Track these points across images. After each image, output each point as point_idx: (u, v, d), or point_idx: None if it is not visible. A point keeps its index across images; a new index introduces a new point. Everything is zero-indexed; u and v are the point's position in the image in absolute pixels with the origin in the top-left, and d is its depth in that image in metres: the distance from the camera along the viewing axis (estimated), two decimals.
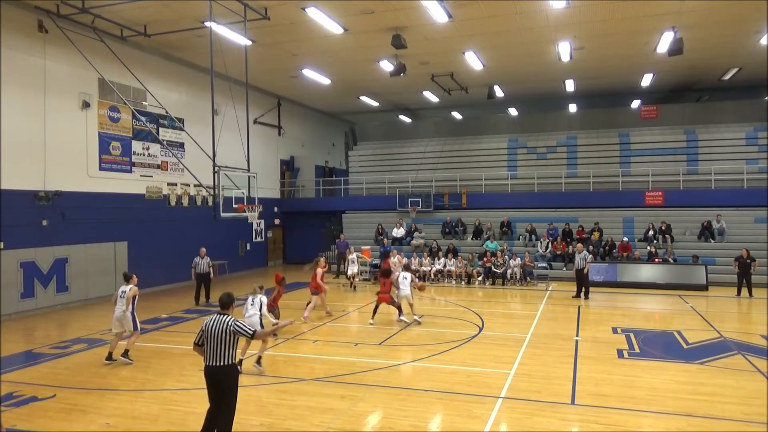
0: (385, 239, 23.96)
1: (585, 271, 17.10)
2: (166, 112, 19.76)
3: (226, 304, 6.33)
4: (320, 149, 32.68)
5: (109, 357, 10.22)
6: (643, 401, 7.97)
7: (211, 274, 17.45)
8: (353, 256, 20.44)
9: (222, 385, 6.05)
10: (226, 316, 6.18)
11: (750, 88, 26.69)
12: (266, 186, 25.79)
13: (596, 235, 22.39)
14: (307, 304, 14.23)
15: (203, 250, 17.20)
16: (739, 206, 22.41)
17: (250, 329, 6.18)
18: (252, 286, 10.55)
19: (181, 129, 20.92)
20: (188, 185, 21.62)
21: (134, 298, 10.31)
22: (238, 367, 6.82)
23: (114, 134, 18.44)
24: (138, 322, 10.39)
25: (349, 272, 20.03)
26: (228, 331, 6.04)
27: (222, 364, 6.03)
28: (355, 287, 19.77)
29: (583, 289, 17.21)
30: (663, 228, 21.90)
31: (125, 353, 10.17)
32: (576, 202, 24.44)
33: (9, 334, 13.03)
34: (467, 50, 20.51)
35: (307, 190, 29.63)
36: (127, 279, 10.59)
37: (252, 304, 10.21)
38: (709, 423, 7.20)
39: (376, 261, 22.79)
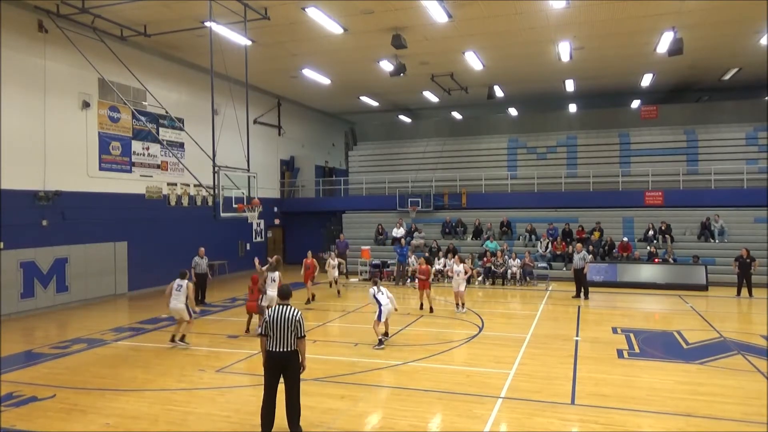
0: (403, 240, 23.84)
1: (585, 271, 17.11)
2: (166, 112, 19.76)
3: (287, 294, 7.01)
4: (320, 149, 32.68)
5: (173, 339, 11.53)
6: (643, 401, 7.97)
7: (209, 275, 17.42)
8: (335, 261, 19.05)
9: (289, 368, 6.66)
10: (289, 307, 6.79)
11: (750, 88, 26.68)
12: (266, 186, 25.79)
13: (596, 235, 22.39)
14: None
15: (202, 249, 17.19)
16: (739, 206, 22.41)
17: (304, 331, 6.79)
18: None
19: (181, 129, 20.92)
20: (188, 185, 21.62)
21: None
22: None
23: (114, 134, 18.44)
24: (191, 311, 11.59)
25: (330, 277, 18.90)
26: (294, 320, 6.65)
27: (289, 349, 6.64)
28: (339, 292, 18.69)
29: (583, 289, 17.21)
30: (663, 228, 21.90)
31: (182, 338, 11.46)
32: (576, 202, 24.44)
33: (9, 334, 13.03)
34: (467, 50, 20.51)
35: (307, 190, 29.62)
36: (183, 275, 11.79)
37: (381, 293, 11.52)
38: (708, 423, 7.20)
39: (376, 261, 22.83)
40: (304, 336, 6.79)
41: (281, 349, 6.61)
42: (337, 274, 18.95)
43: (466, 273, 15.25)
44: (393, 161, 30.22)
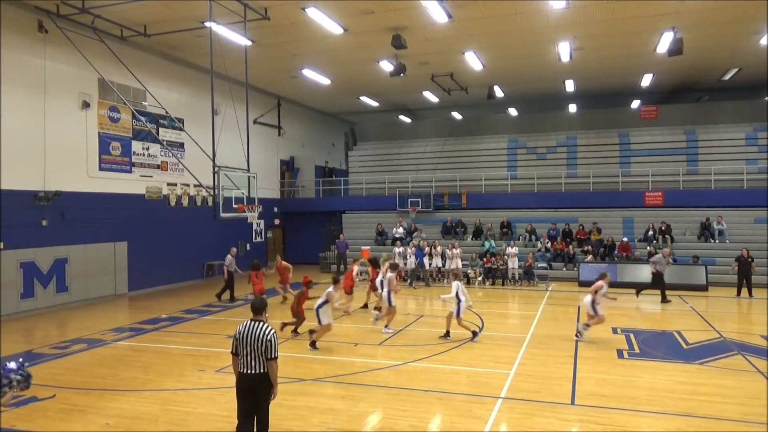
0: (422, 242, 22.89)
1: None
2: (166, 112, 19.75)
3: (259, 309, 6.11)
4: (320, 149, 32.67)
5: (312, 344, 11.29)
6: (643, 401, 7.97)
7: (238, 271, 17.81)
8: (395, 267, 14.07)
9: (260, 392, 5.89)
10: (261, 323, 5.98)
11: (750, 88, 26.69)
12: (266, 186, 25.78)
13: (596, 235, 22.40)
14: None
15: (234, 250, 17.70)
16: (739, 206, 22.41)
17: (276, 352, 5.91)
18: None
19: (181, 129, 20.92)
20: (188, 185, 21.61)
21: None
22: None
23: (114, 134, 18.44)
24: (323, 319, 11.20)
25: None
26: (264, 339, 5.84)
27: (259, 371, 5.85)
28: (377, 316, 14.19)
29: (662, 292, 16.87)
30: (663, 228, 21.90)
31: (313, 343, 11.24)
32: (576, 202, 24.44)
33: (9, 334, 13.02)
34: (467, 50, 20.51)
35: (307, 190, 29.62)
36: (335, 282, 11.87)
37: (462, 290, 11.78)
38: (708, 423, 7.20)
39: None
40: (276, 357, 5.89)
41: (250, 371, 5.85)
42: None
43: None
44: (393, 161, 30.23)
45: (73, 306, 16.66)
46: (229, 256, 17.34)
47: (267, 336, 5.84)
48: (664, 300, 16.74)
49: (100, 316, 15.42)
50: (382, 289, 13.45)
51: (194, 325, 13.95)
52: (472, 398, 8.15)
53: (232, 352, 6.03)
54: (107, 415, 7.73)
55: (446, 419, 7.50)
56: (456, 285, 11.88)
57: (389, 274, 13.14)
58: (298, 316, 12.47)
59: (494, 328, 13.00)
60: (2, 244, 14.86)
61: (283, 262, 17.03)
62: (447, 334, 11.93)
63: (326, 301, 11.25)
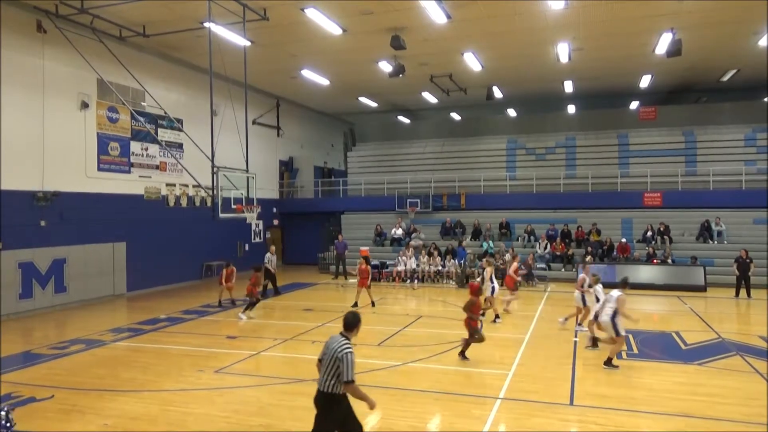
0: (463, 242, 22.95)
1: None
2: (165, 113, 19.75)
3: (350, 325, 5.41)
4: (319, 150, 32.67)
5: (608, 362, 9.84)
6: (642, 402, 7.98)
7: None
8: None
9: (327, 413, 5.27)
10: (343, 338, 5.32)
11: (749, 89, 26.73)
12: (265, 187, 25.77)
13: (595, 236, 22.41)
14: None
15: (273, 248, 18.76)
16: (738, 207, 22.45)
17: (350, 374, 5.15)
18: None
19: (180, 129, 20.90)
20: (187, 186, 21.60)
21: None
22: None
23: (112, 135, 18.43)
24: (620, 330, 9.79)
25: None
26: (335, 356, 5.19)
27: (326, 390, 5.24)
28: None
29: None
30: (661, 229, 21.93)
31: (608, 361, 9.76)
32: (575, 203, 24.46)
33: (7, 334, 13.00)
34: (466, 51, 20.52)
35: (306, 190, 29.63)
36: (623, 284, 10.43)
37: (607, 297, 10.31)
38: (707, 424, 7.20)
39: (375, 262, 22.82)
40: (350, 381, 5.14)
41: (319, 386, 5.31)
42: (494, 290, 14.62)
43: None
44: (392, 162, 30.23)
45: (72, 306, 16.64)
46: (268, 254, 18.14)
47: (338, 353, 5.16)
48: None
49: (99, 316, 15.40)
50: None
51: (193, 326, 13.94)
52: (471, 399, 8.15)
53: (318, 358, 5.50)
54: (106, 415, 7.72)
55: (445, 420, 7.50)
56: (599, 288, 11.38)
57: (582, 276, 12.72)
58: (476, 333, 10.34)
59: (493, 329, 12.98)
60: (1, 244, 14.84)
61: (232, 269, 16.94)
62: (594, 342, 11.04)
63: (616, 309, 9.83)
